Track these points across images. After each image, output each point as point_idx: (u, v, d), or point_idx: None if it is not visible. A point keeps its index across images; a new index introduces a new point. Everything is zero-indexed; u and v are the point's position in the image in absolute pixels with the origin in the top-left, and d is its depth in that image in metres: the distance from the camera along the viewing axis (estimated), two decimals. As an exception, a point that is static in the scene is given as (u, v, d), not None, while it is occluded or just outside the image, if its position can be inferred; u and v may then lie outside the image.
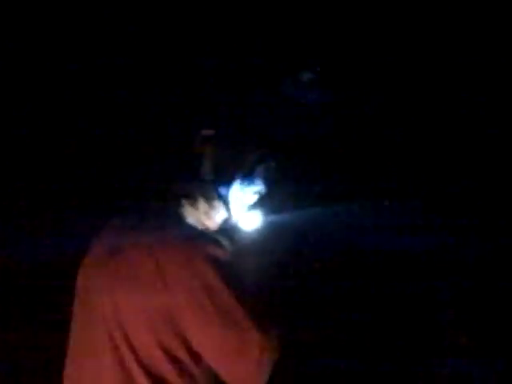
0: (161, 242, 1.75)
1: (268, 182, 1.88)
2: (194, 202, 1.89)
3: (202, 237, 1.79)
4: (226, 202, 1.90)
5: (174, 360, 1.77)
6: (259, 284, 1.79)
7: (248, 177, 1.88)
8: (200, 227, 1.87)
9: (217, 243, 1.75)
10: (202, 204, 1.89)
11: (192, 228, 1.84)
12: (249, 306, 1.70)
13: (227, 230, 1.90)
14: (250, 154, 1.89)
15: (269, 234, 1.89)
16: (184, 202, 1.88)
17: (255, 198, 1.91)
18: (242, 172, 1.89)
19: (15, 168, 3.25)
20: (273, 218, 1.89)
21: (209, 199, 1.89)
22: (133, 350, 1.78)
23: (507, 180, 3.55)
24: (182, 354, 1.77)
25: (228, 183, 1.89)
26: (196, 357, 1.78)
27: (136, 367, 1.77)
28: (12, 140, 3.24)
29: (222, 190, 1.88)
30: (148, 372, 1.77)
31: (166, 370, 1.77)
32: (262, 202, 1.91)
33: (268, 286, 1.82)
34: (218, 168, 1.87)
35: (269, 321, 1.72)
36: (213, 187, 1.88)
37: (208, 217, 1.90)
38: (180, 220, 1.85)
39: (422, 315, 3.54)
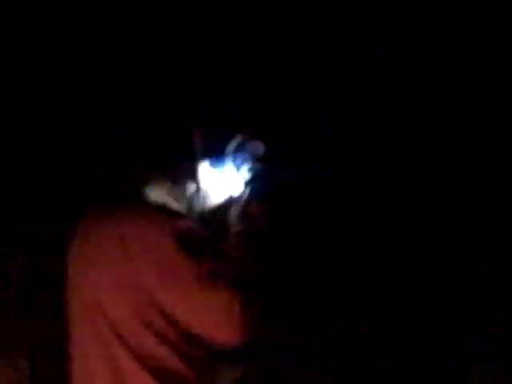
0: (126, 221, 1.86)
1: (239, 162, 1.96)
2: (167, 183, 1.96)
3: (161, 211, 1.89)
4: (196, 182, 1.97)
5: (156, 334, 1.83)
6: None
7: (221, 155, 1.97)
8: (169, 205, 1.95)
9: (174, 215, 1.87)
10: (171, 185, 1.96)
11: (155, 205, 1.93)
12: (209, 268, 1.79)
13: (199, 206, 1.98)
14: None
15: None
16: (156, 184, 1.96)
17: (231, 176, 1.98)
18: (216, 152, 1.97)
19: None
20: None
21: (178, 181, 1.97)
22: (114, 328, 1.84)
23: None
24: (162, 327, 1.83)
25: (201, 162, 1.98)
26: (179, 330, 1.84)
27: (120, 349, 1.83)
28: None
29: (193, 170, 1.97)
30: (132, 352, 1.83)
31: (150, 345, 1.82)
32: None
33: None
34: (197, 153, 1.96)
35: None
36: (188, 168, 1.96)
37: (178, 196, 1.97)
38: (145, 199, 1.94)
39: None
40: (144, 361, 1.82)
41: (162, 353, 1.83)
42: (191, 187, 1.96)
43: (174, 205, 1.95)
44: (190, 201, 1.96)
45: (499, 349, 3.42)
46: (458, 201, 3.59)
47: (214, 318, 1.78)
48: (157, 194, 1.95)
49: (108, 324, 1.84)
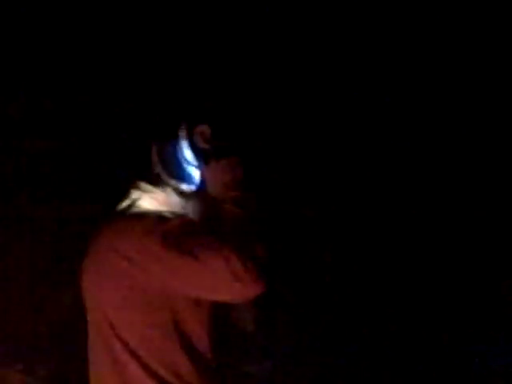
0: (116, 230, 1.95)
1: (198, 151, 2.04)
2: (146, 190, 2.06)
3: (145, 216, 1.97)
4: (167, 181, 2.05)
5: (157, 325, 1.92)
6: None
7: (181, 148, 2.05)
8: (154, 208, 2.02)
9: (158, 218, 1.94)
10: (150, 190, 2.05)
11: (140, 212, 2.01)
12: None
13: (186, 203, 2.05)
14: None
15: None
16: (138, 192, 2.06)
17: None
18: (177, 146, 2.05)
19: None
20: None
21: (156, 184, 2.05)
22: (119, 337, 1.93)
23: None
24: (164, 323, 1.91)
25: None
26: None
27: (124, 353, 1.92)
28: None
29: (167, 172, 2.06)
30: (137, 356, 1.91)
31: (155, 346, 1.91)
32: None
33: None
34: (162, 158, 2.05)
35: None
36: (161, 173, 2.05)
37: (160, 200, 2.05)
38: (134, 208, 2.03)
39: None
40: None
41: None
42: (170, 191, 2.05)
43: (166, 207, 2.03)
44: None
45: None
46: (458, 201, 3.64)
47: (222, 281, 1.84)
48: (147, 202, 2.04)
49: (113, 333, 1.93)
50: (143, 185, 2.03)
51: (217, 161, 2.00)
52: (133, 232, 1.90)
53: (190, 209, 2.02)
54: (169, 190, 2.03)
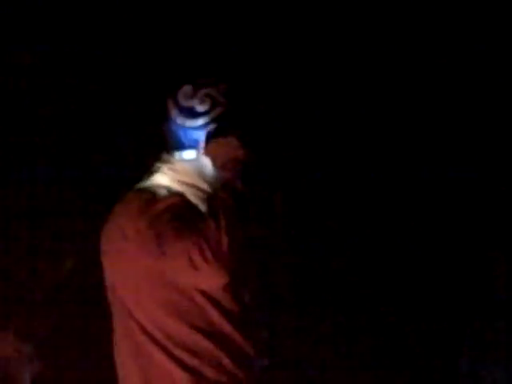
0: (120, 206, 1.98)
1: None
2: (166, 161, 2.04)
3: (142, 193, 1.97)
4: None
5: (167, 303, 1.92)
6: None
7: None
8: (164, 183, 2.01)
9: (151, 198, 1.94)
10: (169, 160, 2.04)
11: (143, 187, 2.01)
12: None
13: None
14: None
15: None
16: (159, 163, 2.05)
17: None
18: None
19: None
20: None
21: (167, 160, 2.04)
22: (134, 318, 1.93)
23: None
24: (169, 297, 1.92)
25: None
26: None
27: (140, 335, 1.92)
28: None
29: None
30: (153, 339, 1.91)
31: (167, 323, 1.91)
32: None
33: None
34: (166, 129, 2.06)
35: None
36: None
37: (178, 169, 2.03)
38: (146, 181, 2.03)
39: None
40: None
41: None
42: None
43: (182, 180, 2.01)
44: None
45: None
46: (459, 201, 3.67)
47: (181, 267, 1.88)
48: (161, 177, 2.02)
49: (128, 314, 1.93)
50: (164, 156, 2.03)
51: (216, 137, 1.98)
52: (129, 211, 1.92)
53: (206, 175, 2.00)
54: (180, 159, 2.02)
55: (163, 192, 1.95)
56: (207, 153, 1.99)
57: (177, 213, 1.89)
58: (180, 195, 1.94)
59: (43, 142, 3.37)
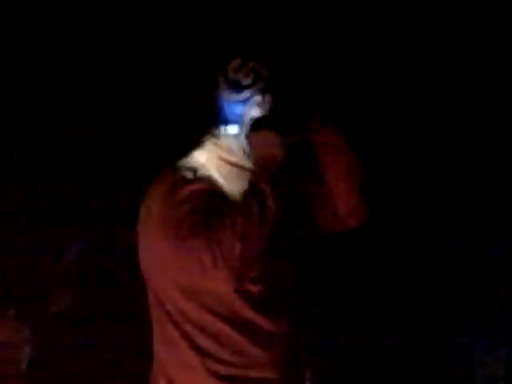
0: (150, 189, 2.00)
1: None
2: (213, 135, 2.03)
3: (172, 174, 1.99)
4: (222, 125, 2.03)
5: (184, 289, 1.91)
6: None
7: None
8: (203, 160, 2.00)
9: (180, 180, 1.95)
10: (215, 135, 2.03)
11: (179, 166, 2.01)
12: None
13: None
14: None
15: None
16: (206, 137, 2.04)
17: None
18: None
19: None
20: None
21: (212, 134, 2.03)
22: (159, 302, 1.95)
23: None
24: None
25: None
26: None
27: (164, 316, 1.94)
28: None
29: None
30: (174, 322, 1.92)
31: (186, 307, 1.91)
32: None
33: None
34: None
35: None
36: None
37: (223, 146, 2.01)
38: (186, 158, 2.03)
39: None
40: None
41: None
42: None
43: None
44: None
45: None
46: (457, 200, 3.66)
47: (193, 267, 1.88)
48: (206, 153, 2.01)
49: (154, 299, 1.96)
50: (213, 131, 2.01)
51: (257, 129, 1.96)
52: (156, 192, 1.95)
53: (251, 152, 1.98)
54: (224, 134, 2.00)
55: (190, 175, 1.94)
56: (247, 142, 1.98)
57: (198, 202, 1.88)
58: (207, 179, 1.93)
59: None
